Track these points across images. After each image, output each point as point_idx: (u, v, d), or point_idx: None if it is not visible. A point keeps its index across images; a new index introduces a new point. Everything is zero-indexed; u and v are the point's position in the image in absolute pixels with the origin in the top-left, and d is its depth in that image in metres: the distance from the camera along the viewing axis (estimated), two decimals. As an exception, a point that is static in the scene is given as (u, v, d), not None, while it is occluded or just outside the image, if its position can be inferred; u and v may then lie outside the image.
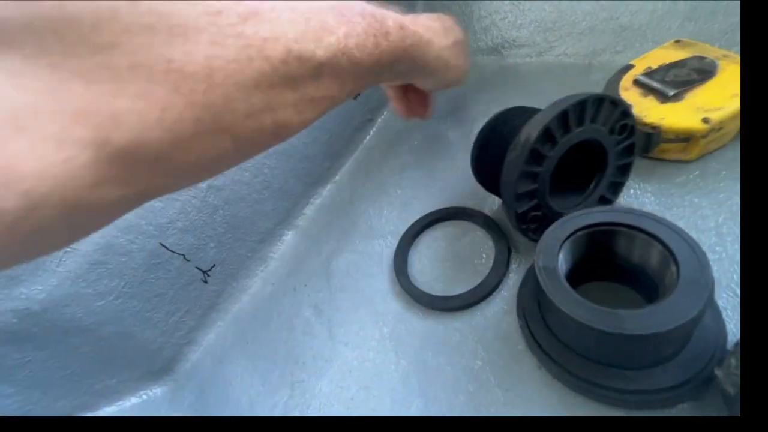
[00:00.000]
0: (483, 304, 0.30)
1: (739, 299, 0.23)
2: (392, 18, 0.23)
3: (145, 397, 0.38)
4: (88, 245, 0.33)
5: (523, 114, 0.27)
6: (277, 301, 0.40)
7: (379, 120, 0.54)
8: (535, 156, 0.25)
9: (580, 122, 0.25)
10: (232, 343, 0.39)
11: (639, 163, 0.31)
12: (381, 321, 0.33)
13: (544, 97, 0.40)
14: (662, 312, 0.18)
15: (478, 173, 0.33)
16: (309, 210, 0.47)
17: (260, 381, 0.34)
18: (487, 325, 0.29)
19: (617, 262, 0.24)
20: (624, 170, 0.29)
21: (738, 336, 0.21)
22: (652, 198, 0.30)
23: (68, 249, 0.32)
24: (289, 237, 0.45)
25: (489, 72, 0.49)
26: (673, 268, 0.19)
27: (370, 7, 0.21)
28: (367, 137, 0.52)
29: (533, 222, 0.28)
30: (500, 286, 0.30)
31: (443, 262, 0.34)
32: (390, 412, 0.28)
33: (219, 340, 0.40)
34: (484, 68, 0.50)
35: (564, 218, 0.24)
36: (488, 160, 0.30)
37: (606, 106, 0.25)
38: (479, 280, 0.31)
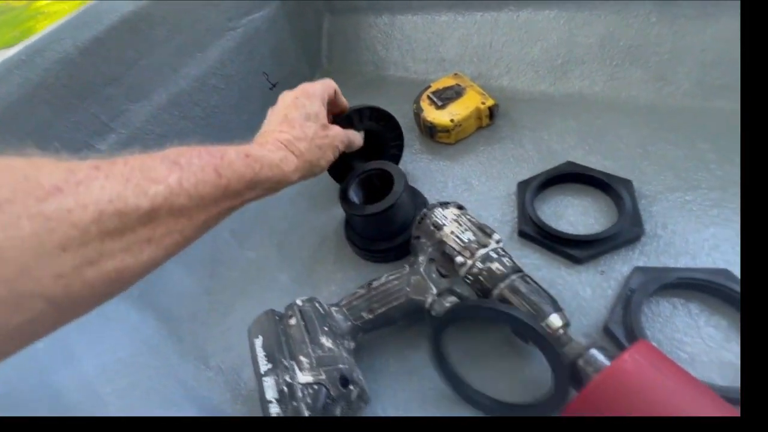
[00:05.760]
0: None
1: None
2: (234, 150, 0.25)
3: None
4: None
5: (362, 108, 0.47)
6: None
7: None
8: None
9: (371, 119, 0.46)
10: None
11: (428, 143, 0.54)
12: (274, 234, 0.53)
13: (399, 94, 0.60)
14: (383, 204, 0.40)
15: None
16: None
17: (186, 272, 0.53)
18: (332, 229, 0.50)
19: (379, 188, 0.46)
20: (399, 148, 0.51)
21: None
22: (429, 163, 0.52)
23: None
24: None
25: (370, 78, 0.71)
26: (396, 187, 0.41)
27: (208, 147, 0.23)
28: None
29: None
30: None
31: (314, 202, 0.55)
32: (275, 270, 0.48)
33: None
34: (367, 75, 0.72)
35: (357, 169, 0.45)
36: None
37: (378, 113, 0.46)
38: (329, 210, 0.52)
